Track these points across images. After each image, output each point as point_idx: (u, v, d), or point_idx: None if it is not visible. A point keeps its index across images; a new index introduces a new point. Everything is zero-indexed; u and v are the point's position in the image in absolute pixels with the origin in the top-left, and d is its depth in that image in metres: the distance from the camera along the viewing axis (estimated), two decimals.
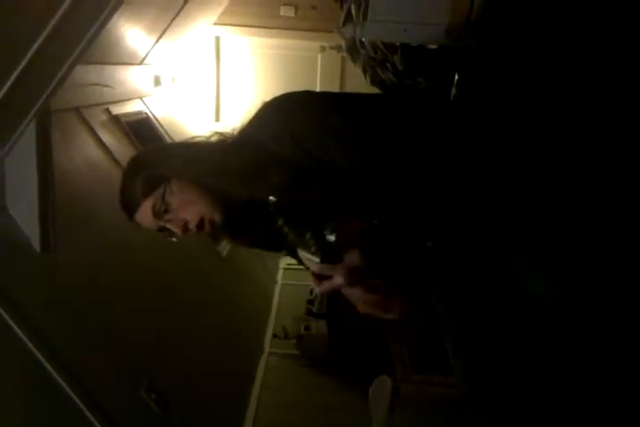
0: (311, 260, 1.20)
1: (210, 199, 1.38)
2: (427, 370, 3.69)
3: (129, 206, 1.44)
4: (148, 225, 1.45)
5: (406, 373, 3.71)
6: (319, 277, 1.24)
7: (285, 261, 5.69)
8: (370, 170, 1.33)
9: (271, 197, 1.21)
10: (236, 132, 1.47)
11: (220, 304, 4.11)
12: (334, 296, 4.63)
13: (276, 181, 1.28)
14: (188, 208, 1.39)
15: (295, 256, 1.62)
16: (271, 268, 5.65)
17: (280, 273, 5.69)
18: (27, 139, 2.29)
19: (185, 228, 1.39)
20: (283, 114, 1.38)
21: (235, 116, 6.04)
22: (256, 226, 1.39)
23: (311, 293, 4.83)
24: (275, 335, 4.74)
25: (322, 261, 1.18)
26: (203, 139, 1.50)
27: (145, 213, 1.42)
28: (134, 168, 1.48)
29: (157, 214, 1.40)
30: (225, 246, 4.51)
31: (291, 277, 5.51)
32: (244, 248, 1.66)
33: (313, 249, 1.17)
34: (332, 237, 1.16)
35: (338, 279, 1.23)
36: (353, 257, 1.21)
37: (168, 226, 1.41)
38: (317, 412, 3.88)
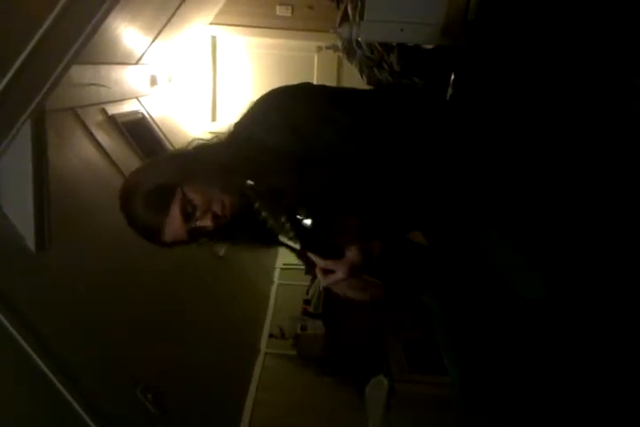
0: (293, 246, 1.21)
1: (222, 189, 1.38)
2: (423, 370, 3.69)
3: (153, 227, 1.42)
4: (178, 235, 1.43)
5: (402, 372, 3.71)
6: (324, 271, 1.27)
7: (282, 260, 5.68)
8: (366, 162, 1.34)
9: (249, 182, 1.21)
10: (231, 128, 1.48)
11: (216, 304, 4.10)
12: (331, 296, 4.64)
13: (271, 173, 1.29)
14: (208, 199, 1.38)
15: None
16: (268, 267, 5.64)
17: (277, 273, 5.69)
18: (22, 138, 2.29)
19: (215, 218, 1.38)
20: (279, 105, 1.40)
21: (231, 115, 5.99)
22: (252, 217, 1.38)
23: (307, 292, 4.83)
24: (271, 335, 4.74)
25: (302, 247, 1.19)
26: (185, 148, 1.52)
27: (174, 223, 1.40)
28: (135, 190, 1.47)
29: (188, 216, 1.39)
30: (222, 246, 4.50)
31: (287, 277, 5.50)
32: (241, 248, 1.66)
33: (291, 234, 1.18)
34: (308, 222, 1.17)
35: (339, 275, 1.26)
36: (353, 253, 1.23)
37: (198, 224, 1.40)
38: (314, 411, 3.89)
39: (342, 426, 3.79)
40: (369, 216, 1.31)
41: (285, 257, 5.24)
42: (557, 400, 1.57)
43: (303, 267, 1.62)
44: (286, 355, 4.56)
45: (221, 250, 4.46)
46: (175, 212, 1.39)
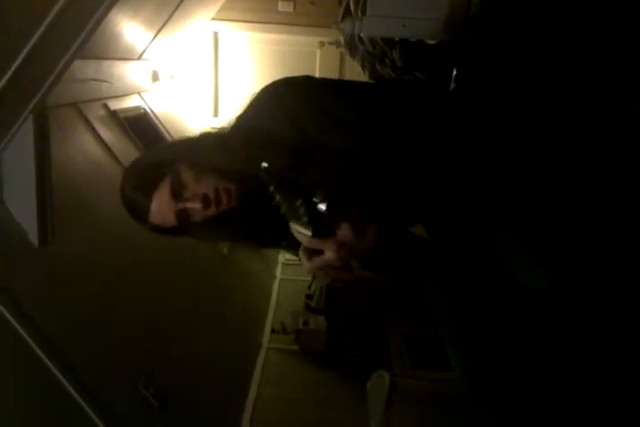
0: (304, 234, 1.17)
1: (219, 173, 1.37)
2: (424, 365, 3.70)
3: (141, 204, 1.42)
4: (166, 216, 1.42)
5: (404, 367, 3.72)
6: (310, 254, 1.21)
7: (285, 256, 5.69)
8: (367, 154, 1.33)
9: (263, 164, 1.19)
10: (234, 120, 1.48)
11: (218, 299, 4.12)
12: (333, 292, 4.66)
13: (274, 162, 1.28)
14: (202, 181, 1.36)
15: (293, 247, 1.59)
16: (270, 263, 5.66)
17: (279, 268, 5.70)
18: (24, 134, 2.30)
19: (206, 201, 1.37)
20: (281, 97, 1.40)
21: (233, 111, 5.99)
22: (259, 207, 1.37)
23: (310, 288, 4.84)
24: (273, 330, 4.76)
25: (314, 235, 1.16)
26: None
27: (162, 201, 1.38)
28: (132, 168, 1.47)
29: (177, 195, 1.37)
30: (225, 244, 4.51)
31: (290, 273, 5.52)
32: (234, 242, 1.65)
33: (305, 219, 1.15)
34: (323, 207, 1.14)
35: (328, 254, 1.19)
36: (344, 231, 1.18)
37: (188, 205, 1.38)
38: (315, 406, 3.90)
39: (344, 421, 3.81)
40: (371, 207, 1.30)
41: (288, 253, 5.23)
42: (562, 394, 1.57)
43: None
44: (288, 350, 4.58)
45: (225, 248, 4.46)
46: (165, 189, 1.38)
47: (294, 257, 1.46)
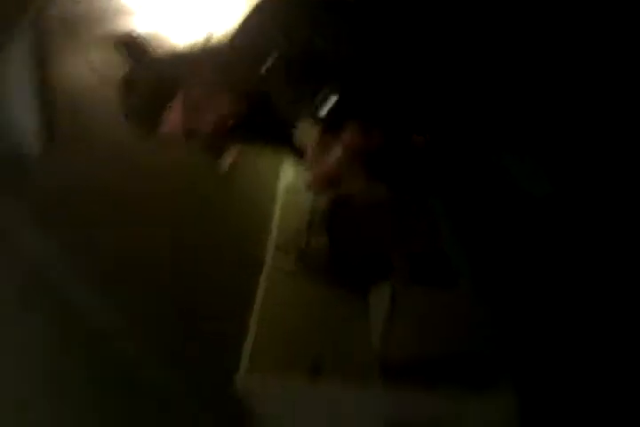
0: (313, 132, 1.18)
1: (229, 95, 1.39)
2: (426, 281, 3.71)
3: (151, 117, 1.43)
4: (173, 131, 1.44)
5: (405, 281, 3.74)
6: (317, 157, 1.23)
7: (287, 177, 5.64)
8: (362, 62, 1.33)
9: (273, 54, 1.20)
10: (227, 38, 1.49)
11: (220, 220, 4.15)
12: (336, 211, 4.64)
13: (273, 75, 1.29)
14: (212, 103, 1.39)
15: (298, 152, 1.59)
16: (273, 183, 5.61)
17: (282, 189, 5.65)
18: (22, 44, 2.25)
19: (215, 124, 1.39)
20: (274, 14, 1.39)
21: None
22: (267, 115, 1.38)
23: (313, 208, 4.83)
24: (276, 251, 4.77)
25: (323, 131, 1.16)
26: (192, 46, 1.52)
27: (172, 120, 1.41)
28: (138, 83, 1.47)
29: (190, 112, 1.39)
30: (225, 163, 4.47)
31: (293, 193, 5.47)
32: (248, 155, 1.67)
33: (315, 115, 1.15)
34: (333, 98, 1.14)
35: (336, 153, 1.20)
36: (352, 131, 1.20)
37: (198, 127, 1.40)
38: (319, 323, 3.99)
39: (346, 336, 3.87)
40: (376, 111, 1.30)
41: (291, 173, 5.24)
42: (564, 299, 1.60)
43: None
44: (291, 270, 4.60)
45: (225, 165, 4.42)
46: (176, 109, 1.39)
47: (298, 179, 1.49)
